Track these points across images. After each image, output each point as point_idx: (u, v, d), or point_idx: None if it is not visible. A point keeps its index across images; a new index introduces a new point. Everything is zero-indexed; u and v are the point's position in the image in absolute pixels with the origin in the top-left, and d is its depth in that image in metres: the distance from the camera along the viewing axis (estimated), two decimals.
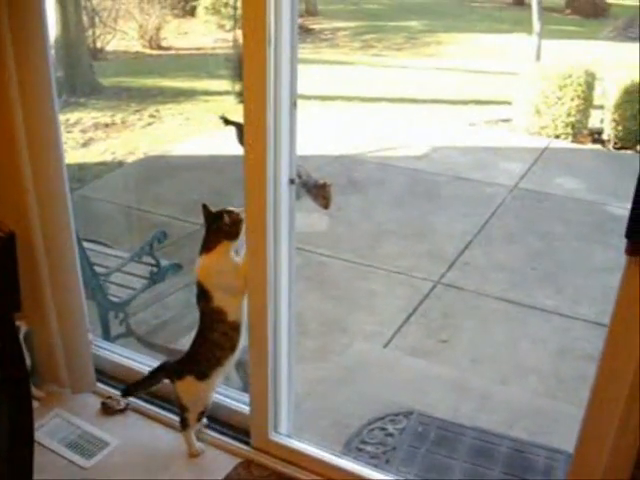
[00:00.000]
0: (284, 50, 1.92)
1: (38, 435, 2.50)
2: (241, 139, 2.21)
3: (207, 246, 2.31)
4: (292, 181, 2.08)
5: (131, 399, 2.74)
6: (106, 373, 2.90)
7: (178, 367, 2.48)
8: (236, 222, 2.26)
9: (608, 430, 1.74)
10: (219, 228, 2.27)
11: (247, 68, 1.92)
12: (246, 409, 2.55)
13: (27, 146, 2.36)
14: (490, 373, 3.56)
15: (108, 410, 2.72)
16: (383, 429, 2.91)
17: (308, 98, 8.30)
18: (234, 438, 2.57)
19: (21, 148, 2.35)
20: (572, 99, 7.09)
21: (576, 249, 4.94)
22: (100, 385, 2.83)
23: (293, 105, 2.00)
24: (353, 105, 8.69)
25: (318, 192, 2.38)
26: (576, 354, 3.68)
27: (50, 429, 2.64)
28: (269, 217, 2.07)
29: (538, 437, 2.90)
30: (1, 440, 1.26)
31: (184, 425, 2.51)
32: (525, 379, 3.50)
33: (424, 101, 8.80)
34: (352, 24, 13.72)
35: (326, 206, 2.56)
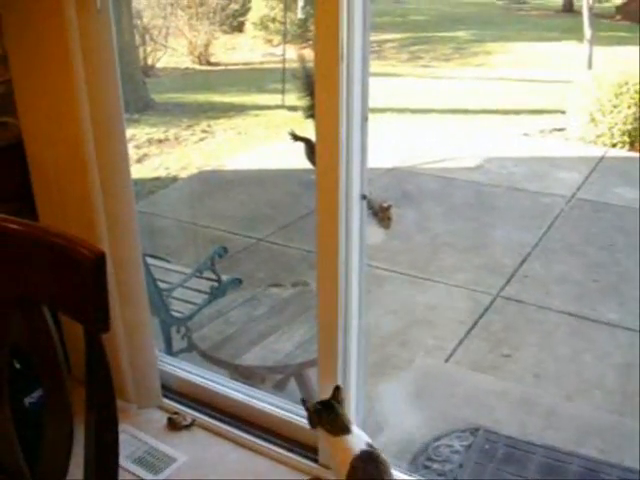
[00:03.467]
0: (356, 65, 1.90)
1: None
2: (310, 155, 2.19)
3: None
4: (364, 197, 2.06)
5: (197, 414, 2.74)
6: (170, 388, 2.90)
7: None
8: None
9: None
10: None
11: (319, 84, 1.90)
12: None
13: (96, 160, 2.38)
14: (555, 388, 3.50)
15: (174, 426, 2.71)
16: (449, 446, 2.86)
17: None
18: (301, 455, 2.55)
19: (91, 163, 2.37)
20: (629, 107, 6.94)
21: (638, 260, 4.83)
22: (165, 400, 2.84)
23: (364, 120, 1.99)
24: (403, 117, 8.65)
25: (384, 214, 2.35)
26: None
27: None
28: (341, 233, 2.05)
29: (608, 455, 2.83)
30: (88, 466, 1.25)
31: None
32: (590, 395, 3.43)
33: (475, 112, 8.72)
34: (399, 36, 13.69)
35: (388, 226, 2.54)
